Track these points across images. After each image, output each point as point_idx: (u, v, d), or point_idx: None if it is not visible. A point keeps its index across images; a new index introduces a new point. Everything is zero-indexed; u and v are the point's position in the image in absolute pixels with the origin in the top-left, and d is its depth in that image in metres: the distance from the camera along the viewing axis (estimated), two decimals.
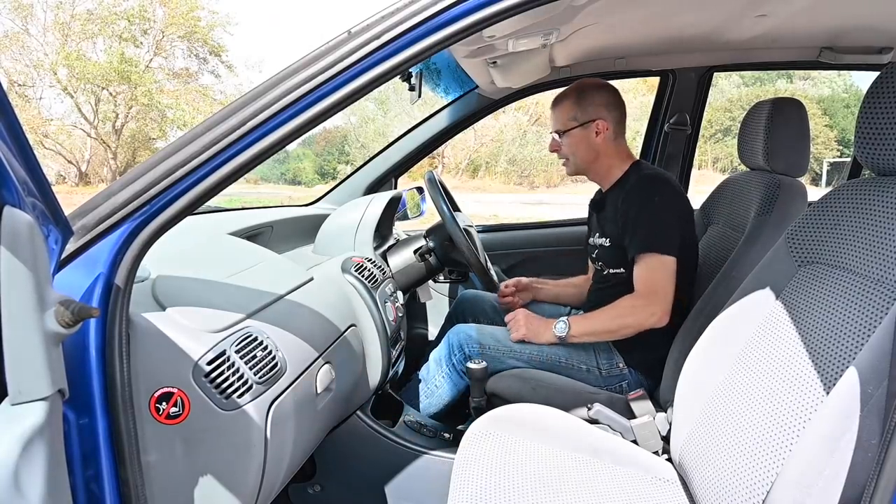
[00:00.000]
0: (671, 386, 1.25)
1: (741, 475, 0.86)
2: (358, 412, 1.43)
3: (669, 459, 1.15)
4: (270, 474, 0.93)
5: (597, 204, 1.70)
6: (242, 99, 0.78)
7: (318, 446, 1.29)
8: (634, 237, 1.48)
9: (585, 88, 1.60)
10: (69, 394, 0.65)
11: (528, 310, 1.64)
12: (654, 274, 1.44)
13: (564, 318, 1.52)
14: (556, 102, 1.62)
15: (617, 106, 1.60)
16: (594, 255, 1.67)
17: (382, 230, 1.79)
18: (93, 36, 15.91)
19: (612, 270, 1.60)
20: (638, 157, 1.66)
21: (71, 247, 0.73)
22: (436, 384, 1.62)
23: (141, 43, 16.28)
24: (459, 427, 1.59)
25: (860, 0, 1.47)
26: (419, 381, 1.70)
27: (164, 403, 0.81)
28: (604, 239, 1.61)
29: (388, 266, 1.69)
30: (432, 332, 2.29)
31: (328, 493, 1.46)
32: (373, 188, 2.20)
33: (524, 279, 1.88)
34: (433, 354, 1.64)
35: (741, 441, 0.90)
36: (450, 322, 1.86)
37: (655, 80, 2.29)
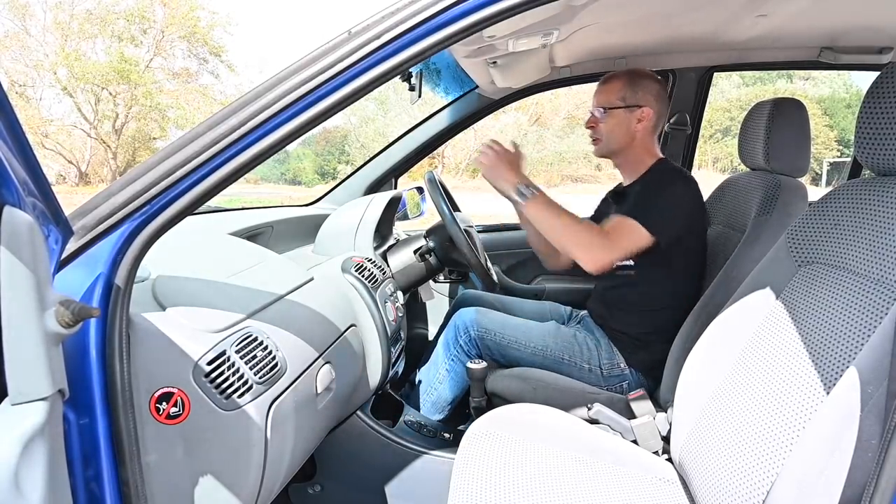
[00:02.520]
0: (671, 386, 1.25)
1: (741, 475, 0.86)
2: (358, 412, 1.43)
3: (669, 459, 1.15)
4: (270, 474, 0.93)
5: (618, 195, 1.68)
6: (242, 99, 0.78)
7: (318, 446, 1.29)
8: (633, 206, 1.47)
9: (640, 74, 1.60)
10: (69, 394, 0.65)
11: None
12: (626, 232, 1.42)
13: (532, 188, 1.42)
14: (607, 80, 1.60)
15: (663, 100, 1.60)
16: None
17: (382, 230, 1.79)
18: (92, 36, 15.91)
19: (620, 263, 1.58)
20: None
21: (71, 247, 0.73)
22: (440, 374, 1.62)
23: (141, 43, 16.28)
24: (459, 427, 1.59)
25: (860, 0, 1.47)
26: (418, 383, 1.70)
27: (164, 403, 0.81)
28: None
29: (388, 266, 1.69)
30: (432, 332, 2.29)
31: (328, 493, 1.46)
32: (373, 188, 2.19)
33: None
34: (440, 341, 1.64)
35: (741, 441, 0.90)
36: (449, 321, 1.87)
37: None
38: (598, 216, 1.82)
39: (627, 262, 1.57)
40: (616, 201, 1.68)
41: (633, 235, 1.42)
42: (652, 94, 1.57)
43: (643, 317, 1.55)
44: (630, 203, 1.50)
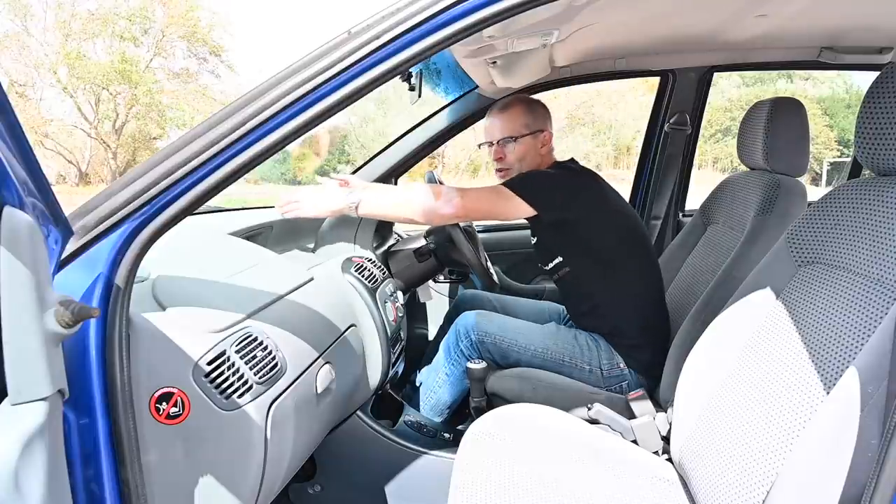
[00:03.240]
0: (671, 385, 1.25)
1: (741, 475, 0.86)
2: (358, 412, 1.43)
3: (669, 459, 1.15)
4: (270, 474, 0.93)
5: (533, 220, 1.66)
6: (242, 99, 0.78)
7: (318, 446, 1.29)
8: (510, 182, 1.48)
9: (530, 100, 1.64)
10: (69, 394, 0.66)
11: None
12: (491, 192, 1.44)
13: (358, 192, 1.39)
14: (504, 109, 1.61)
15: (551, 121, 1.65)
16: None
17: (382, 230, 1.79)
18: (93, 36, 15.92)
19: (548, 266, 1.60)
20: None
21: (71, 247, 0.73)
22: (439, 378, 1.62)
23: (141, 43, 16.30)
24: (459, 427, 1.59)
25: (860, 0, 1.47)
26: (419, 384, 1.70)
27: (164, 403, 0.81)
28: (533, 238, 1.63)
29: (388, 266, 1.69)
30: (432, 332, 2.29)
31: (328, 493, 1.46)
32: None
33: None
34: (441, 344, 1.64)
35: (741, 441, 0.90)
36: (449, 322, 1.86)
37: (655, 80, 2.29)
38: None
39: (558, 260, 1.58)
40: (533, 225, 1.65)
41: (501, 198, 1.43)
42: (546, 118, 1.62)
43: (607, 318, 1.55)
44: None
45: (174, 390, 0.81)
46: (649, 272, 1.59)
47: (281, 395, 0.95)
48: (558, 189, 1.48)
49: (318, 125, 0.79)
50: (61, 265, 0.73)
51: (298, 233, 1.79)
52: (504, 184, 1.46)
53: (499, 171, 1.63)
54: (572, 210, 1.48)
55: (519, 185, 1.45)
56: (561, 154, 1.68)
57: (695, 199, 2.09)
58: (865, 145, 0.89)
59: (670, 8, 1.54)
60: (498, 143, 1.61)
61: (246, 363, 0.91)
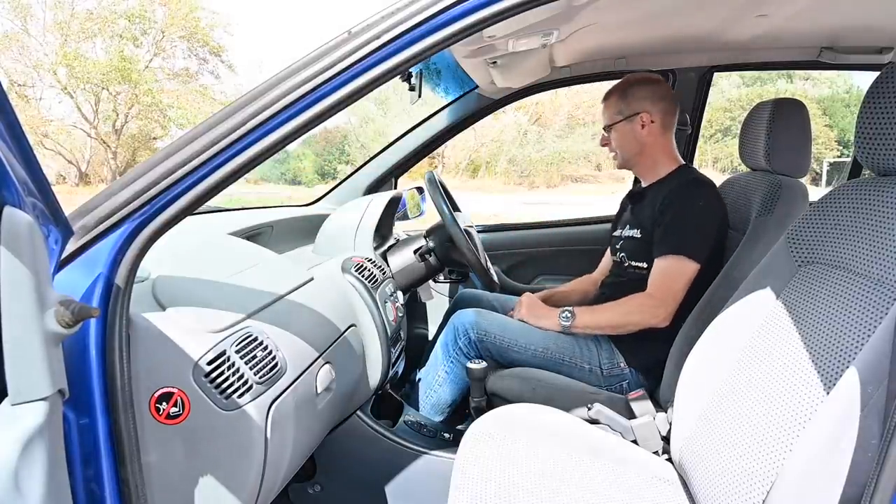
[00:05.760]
0: (671, 385, 1.25)
1: (741, 475, 0.86)
2: (358, 412, 1.43)
3: (669, 459, 1.15)
4: (270, 474, 0.93)
5: (635, 196, 1.70)
6: (242, 99, 0.78)
7: (318, 446, 1.29)
8: (667, 235, 1.47)
9: (631, 82, 1.62)
10: (69, 394, 0.66)
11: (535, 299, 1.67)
12: (672, 277, 1.44)
13: (570, 310, 1.55)
14: (605, 98, 1.65)
15: (663, 98, 1.60)
16: (617, 247, 1.68)
17: (382, 230, 1.79)
18: (92, 36, 15.91)
19: (633, 263, 1.60)
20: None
21: (71, 247, 0.73)
22: (439, 376, 1.62)
23: (141, 43, 16.28)
24: (459, 427, 1.59)
25: (860, 0, 1.47)
26: (418, 383, 1.70)
27: (164, 403, 0.81)
28: (635, 230, 1.61)
29: (388, 266, 1.69)
30: (432, 332, 2.29)
31: (328, 493, 1.46)
32: (373, 188, 2.20)
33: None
34: (438, 342, 1.64)
35: (741, 441, 0.90)
36: (448, 321, 1.86)
37: None
38: (616, 220, 1.83)
39: (640, 264, 1.57)
40: (633, 201, 1.70)
41: (680, 274, 1.44)
42: (647, 98, 1.58)
43: None
44: (659, 217, 1.51)
45: (174, 390, 0.81)
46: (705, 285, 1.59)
47: (281, 395, 0.95)
48: (713, 233, 1.49)
49: (318, 125, 0.79)
50: (61, 265, 0.73)
51: (298, 233, 1.79)
52: (674, 253, 1.46)
53: (612, 153, 1.69)
54: (715, 245, 1.51)
55: (687, 248, 1.44)
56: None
57: None
58: (865, 145, 0.89)
59: (670, 8, 1.54)
60: (604, 130, 1.66)
61: (246, 363, 0.91)
